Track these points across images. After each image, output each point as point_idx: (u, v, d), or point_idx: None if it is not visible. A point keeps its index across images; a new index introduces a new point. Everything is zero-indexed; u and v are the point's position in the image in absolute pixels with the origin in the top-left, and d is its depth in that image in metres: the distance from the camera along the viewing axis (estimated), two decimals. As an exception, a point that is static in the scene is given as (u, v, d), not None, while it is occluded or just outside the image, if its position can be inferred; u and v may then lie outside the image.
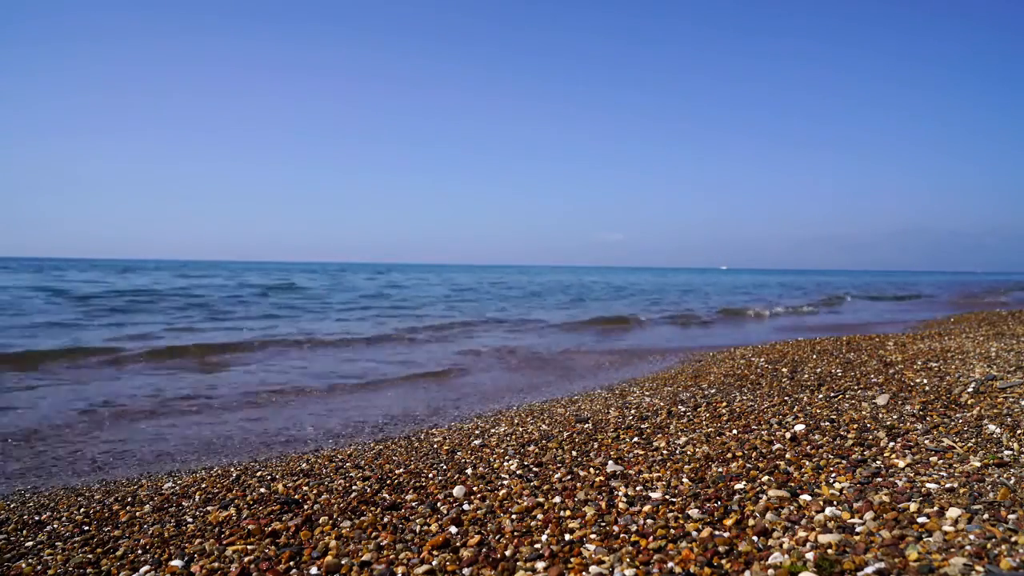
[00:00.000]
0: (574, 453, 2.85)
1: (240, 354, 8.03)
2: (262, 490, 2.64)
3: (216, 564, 1.91)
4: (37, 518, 2.55)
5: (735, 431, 2.98)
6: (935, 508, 1.79)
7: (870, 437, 2.63)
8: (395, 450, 3.33)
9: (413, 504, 2.33)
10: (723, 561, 1.65)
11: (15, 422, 4.45)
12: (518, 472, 2.62)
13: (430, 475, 2.69)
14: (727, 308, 16.94)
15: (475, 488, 2.45)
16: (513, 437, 3.34)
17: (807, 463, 2.36)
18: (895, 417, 2.92)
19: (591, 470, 2.55)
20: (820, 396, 3.60)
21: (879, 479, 2.11)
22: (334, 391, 5.65)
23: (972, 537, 1.58)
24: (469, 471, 2.69)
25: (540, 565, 1.73)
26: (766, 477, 2.26)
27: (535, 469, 2.65)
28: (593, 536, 1.88)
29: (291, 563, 1.88)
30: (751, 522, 1.87)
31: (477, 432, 3.63)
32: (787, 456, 2.49)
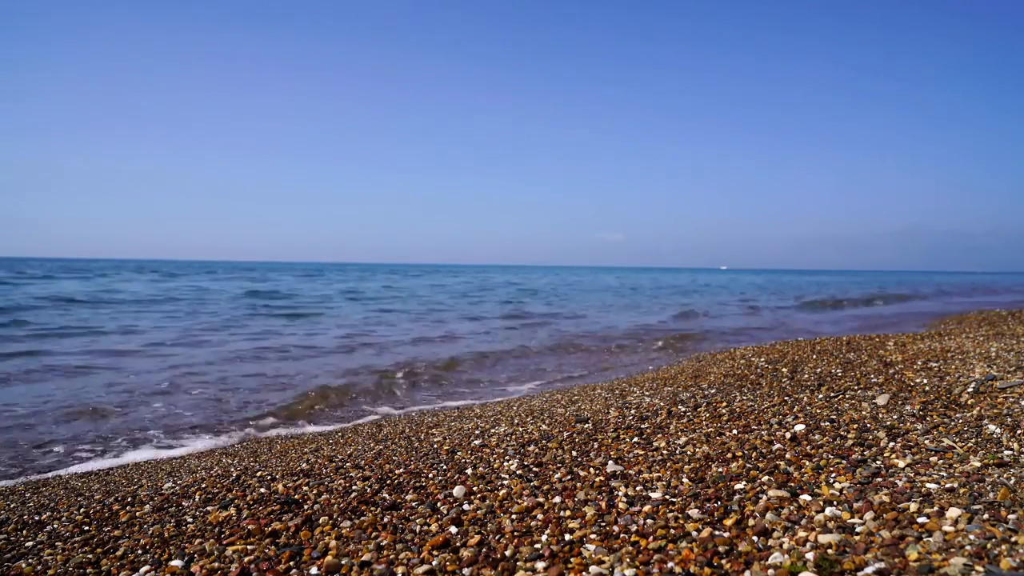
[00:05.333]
0: (574, 453, 2.85)
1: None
2: (262, 490, 2.64)
3: (216, 564, 1.91)
4: (37, 518, 2.55)
5: (735, 431, 2.98)
6: (935, 508, 1.79)
7: (870, 437, 2.63)
8: (395, 450, 3.33)
9: (413, 504, 2.33)
10: (723, 561, 1.65)
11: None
12: (518, 472, 2.62)
13: (430, 475, 2.69)
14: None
15: (475, 488, 2.44)
16: (513, 437, 3.34)
17: (807, 463, 2.36)
18: (895, 417, 2.92)
19: (591, 470, 2.55)
20: (820, 396, 3.60)
21: (879, 479, 2.11)
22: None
23: (972, 537, 1.58)
24: (469, 471, 2.69)
25: (540, 565, 1.73)
26: (766, 477, 2.26)
27: (535, 469, 2.65)
28: (593, 536, 1.88)
29: (291, 563, 1.88)
30: (751, 522, 1.87)
31: (477, 432, 3.63)
32: (787, 456, 2.48)
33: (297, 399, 5.74)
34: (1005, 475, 1.99)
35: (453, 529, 2.04)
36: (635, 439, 3.02)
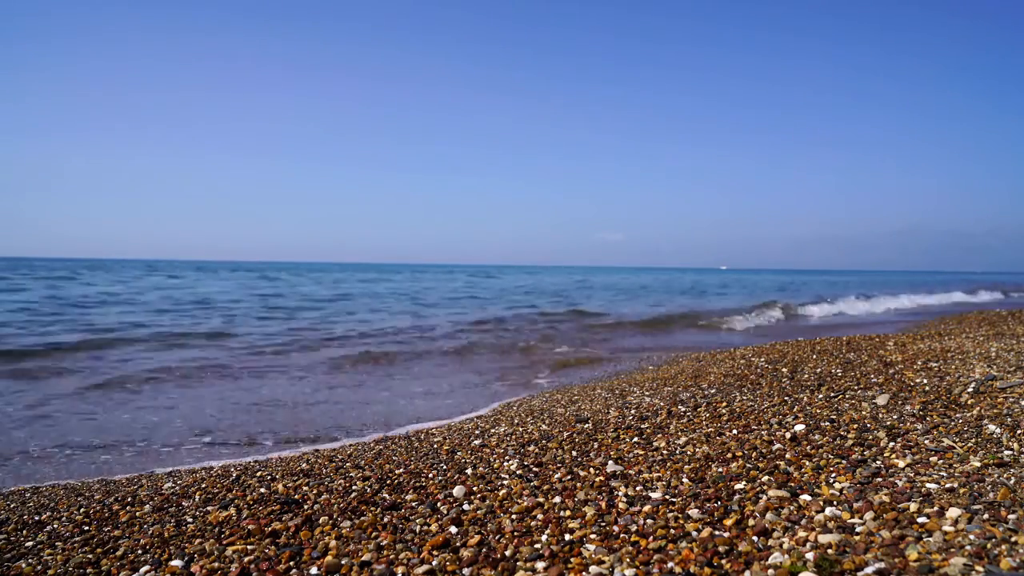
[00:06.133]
0: (574, 453, 2.85)
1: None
2: (262, 490, 2.64)
3: (216, 564, 1.91)
4: (37, 518, 2.55)
5: (735, 431, 2.98)
6: (935, 508, 1.79)
7: (870, 437, 2.63)
8: (395, 450, 3.33)
9: (413, 504, 2.33)
10: (723, 561, 1.65)
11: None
12: (518, 472, 2.62)
13: (430, 475, 2.69)
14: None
15: (475, 488, 2.45)
16: (513, 437, 3.34)
17: (807, 463, 2.36)
18: (895, 417, 2.91)
19: (591, 470, 2.55)
20: (820, 396, 3.60)
21: (879, 479, 2.11)
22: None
23: (972, 537, 1.58)
24: (469, 471, 2.69)
25: (540, 565, 1.73)
26: (766, 477, 2.26)
27: (535, 469, 2.65)
28: (593, 536, 1.88)
29: (291, 563, 1.89)
30: (751, 522, 1.87)
31: (477, 432, 3.64)
32: (787, 456, 2.49)
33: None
34: (1005, 475, 1.99)
35: (453, 529, 2.04)
36: (635, 439, 3.02)
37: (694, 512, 1.98)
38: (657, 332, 12.18)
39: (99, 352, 8.47)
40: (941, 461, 2.23)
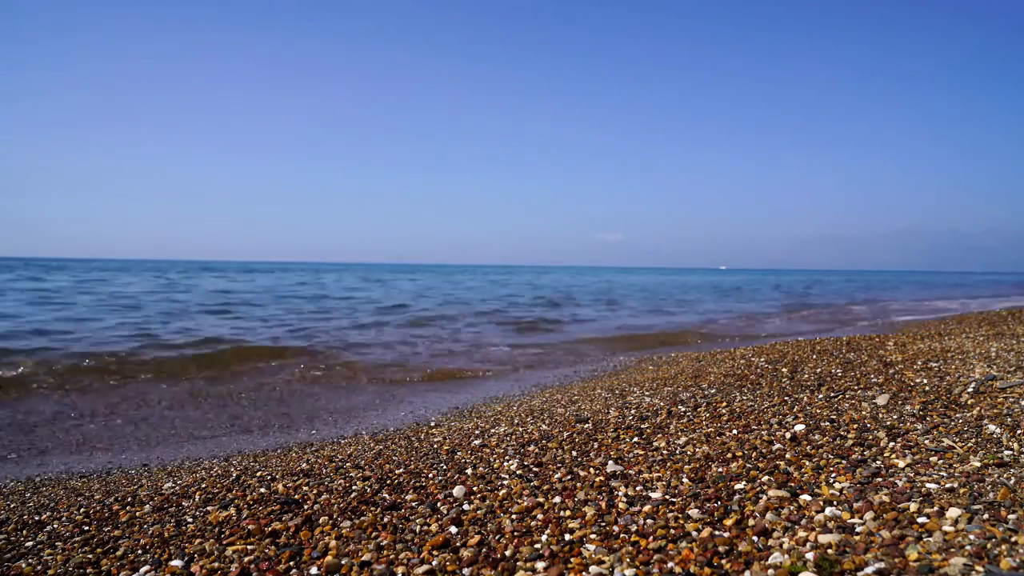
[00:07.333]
0: (574, 453, 2.85)
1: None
2: (262, 490, 2.64)
3: (216, 564, 1.91)
4: (37, 518, 2.55)
5: (735, 431, 2.98)
6: (935, 508, 1.79)
7: (870, 437, 2.63)
8: (395, 450, 3.33)
9: (413, 504, 2.33)
10: (723, 561, 1.65)
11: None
12: (518, 472, 2.62)
13: (430, 475, 2.69)
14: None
15: (475, 488, 2.45)
16: (513, 437, 3.34)
17: (807, 463, 2.36)
18: (895, 417, 2.92)
19: (591, 470, 2.55)
20: (820, 396, 3.60)
21: (879, 479, 2.11)
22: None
23: (972, 537, 1.58)
24: (469, 471, 2.69)
25: (540, 565, 1.73)
26: (766, 477, 2.26)
27: (535, 469, 2.65)
28: (593, 536, 1.88)
29: (291, 563, 1.88)
30: (751, 522, 1.87)
31: (477, 432, 3.64)
32: (787, 456, 2.49)
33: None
34: (1005, 475, 1.99)
35: (453, 529, 2.04)
36: (635, 439, 3.02)
37: (694, 512, 1.98)
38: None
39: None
40: (941, 461, 2.23)
